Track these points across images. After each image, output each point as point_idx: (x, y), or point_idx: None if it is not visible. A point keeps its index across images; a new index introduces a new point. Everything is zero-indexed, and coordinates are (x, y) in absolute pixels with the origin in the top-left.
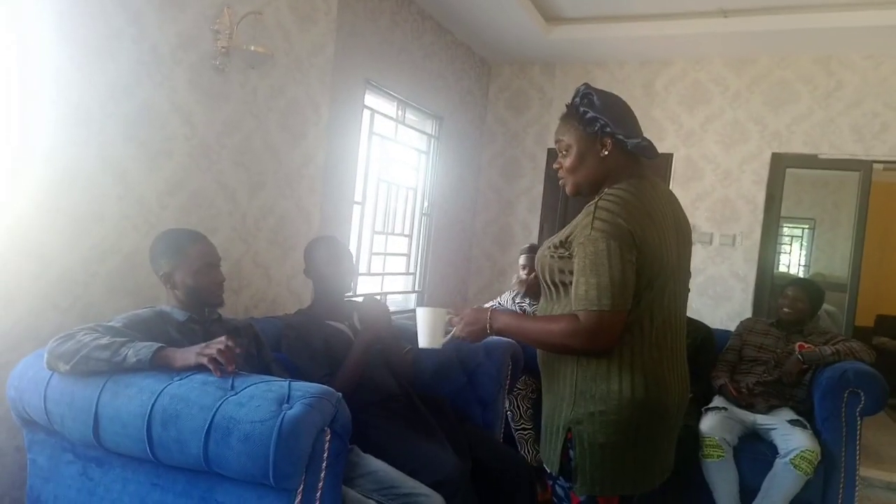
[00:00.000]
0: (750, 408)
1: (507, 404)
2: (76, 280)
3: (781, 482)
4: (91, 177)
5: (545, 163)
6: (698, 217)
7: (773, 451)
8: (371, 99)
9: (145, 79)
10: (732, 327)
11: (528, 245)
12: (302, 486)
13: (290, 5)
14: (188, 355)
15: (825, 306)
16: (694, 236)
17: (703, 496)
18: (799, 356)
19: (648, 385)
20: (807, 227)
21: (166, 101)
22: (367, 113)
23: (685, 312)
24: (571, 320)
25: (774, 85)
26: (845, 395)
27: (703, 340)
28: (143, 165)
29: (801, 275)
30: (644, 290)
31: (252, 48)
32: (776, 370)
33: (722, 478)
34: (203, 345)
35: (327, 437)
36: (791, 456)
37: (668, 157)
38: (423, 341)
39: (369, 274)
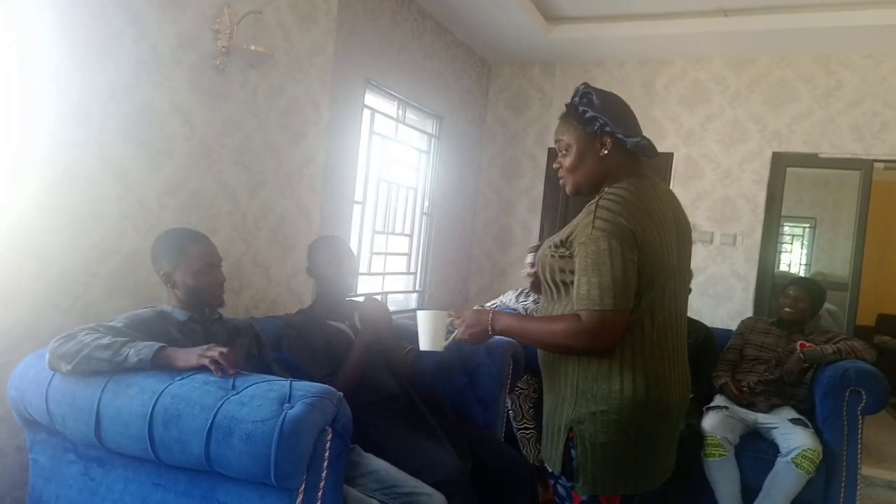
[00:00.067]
0: (751, 407)
1: (508, 404)
2: (76, 280)
3: (783, 481)
4: (91, 177)
5: (545, 162)
6: (699, 216)
7: (774, 450)
8: (371, 98)
9: (145, 79)
10: (733, 326)
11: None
12: (303, 486)
13: (290, 5)
14: (190, 355)
15: (826, 305)
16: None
17: (705, 495)
18: (800, 355)
19: (649, 384)
20: (807, 226)
21: (166, 100)
22: (367, 112)
23: (686, 312)
24: (573, 320)
25: (774, 84)
26: (847, 393)
27: (705, 341)
28: (144, 165)
29: (801, 274)
30: (645, 289)
31: (252, 48)
32: (777, 369)
33: (723, 477)
34: (205, 346)
35: (329, 437)
36: (792, 455)
37: (669, 157)
38: (425, 344)
39: (370, 274)
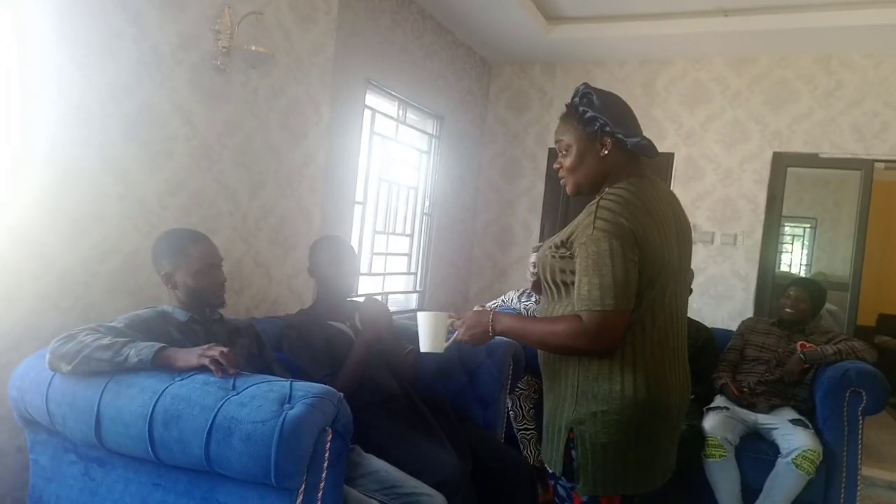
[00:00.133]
0: (751, 407)
1: (509, 404)
2: (77, 280)
3: (783, 482)
4: (92, 177)
5: (546, 163)
6: (699, 216)
7: (774, 450)
8: (372, 98)
9: (146, 79)
10: (734, 327)
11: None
12: (304, 486)
13: (290, 5)
14: (190, 355)
15: (827, 306)
16: (695, 236)
17: (705, 496)
18: (801, 355)
19: (650, 385)
20: (808, 226)
21: (167, 101)
22: (367, 112)
23: (686, 312)
24: (574, 321)
25: (775, 84)
26: (847, 394)
27: (705, 342)
28: (144, 165)
29: (802, 274)
30: (645, 289)
31: (253, 48)
32: (778, 370)
33: (724, 477)
34: (205, 346)
35: (329, 437)
36: (793, 455)
37: (669, 157)
38: (426, 346)
39: (370, 274)
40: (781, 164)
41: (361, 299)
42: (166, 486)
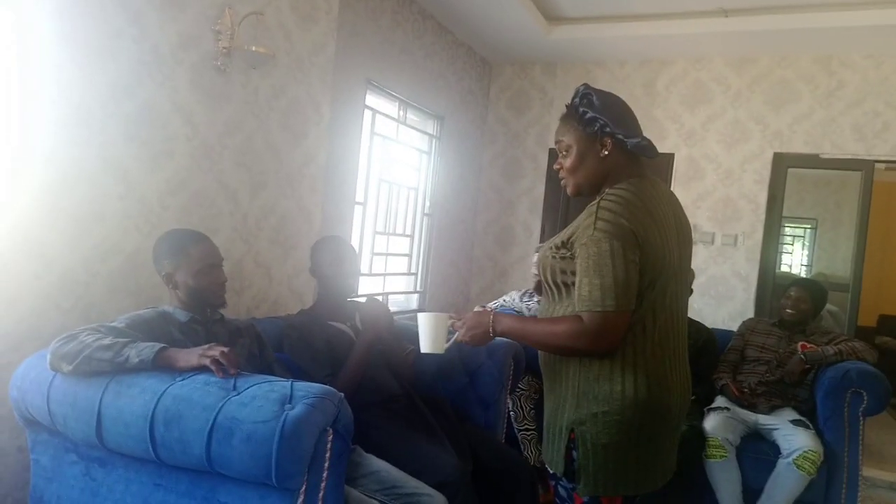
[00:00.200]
0: (752, 408)
1: (509, 405)
2: (78, 280)
3: (784, 482)
4: (92, 177)
5: (546, 163)
6: (700, 217)
7: (775, 451)
8: (372, 99)
9: (146, 79)
10: (734, 327)
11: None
12: (304, 487)
13: (291, 5)
14: (191, 356)
15: (827, 306)
16: (696, 236)
17: (706, 496)
18: (801, 356)
19: (651, 385)
20: (809, 226)
21: (167, 101)
22: (368, 113)
23: (686, 313)
24: (575, 322)
25: (775, 84)
26: (848, 394)
27: (706, 342)
28: (145, 165)
29: (803, 275)
30: (646, 289)
31: (253, 48)
32: (778, 370)
33: (725, 478)
34: (206, 346)
35: (329, 438)
36: (794, 456)
37: (670, 157)
38: (426, 347)
39: (371, 274)
40: (782, 164)
41: (362, 300)
42: (167, 487)
